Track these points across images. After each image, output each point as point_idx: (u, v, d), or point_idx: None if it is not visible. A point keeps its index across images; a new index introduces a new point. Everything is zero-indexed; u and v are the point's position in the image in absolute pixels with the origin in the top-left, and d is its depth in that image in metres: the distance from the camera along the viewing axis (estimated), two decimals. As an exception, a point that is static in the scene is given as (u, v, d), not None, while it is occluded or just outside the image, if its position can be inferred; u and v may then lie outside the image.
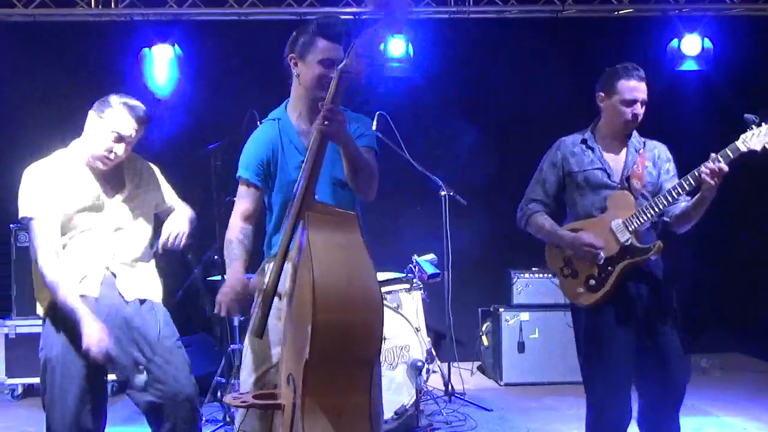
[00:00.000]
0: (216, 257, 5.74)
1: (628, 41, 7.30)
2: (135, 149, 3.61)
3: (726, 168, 3.43)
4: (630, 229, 3.64)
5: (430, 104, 7.27)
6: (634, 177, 3.72)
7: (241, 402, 2.96)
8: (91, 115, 3.44)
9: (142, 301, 3.58)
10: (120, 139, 3.43)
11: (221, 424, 5.38)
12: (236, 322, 5.78)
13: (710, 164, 3.45)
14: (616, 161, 3.78)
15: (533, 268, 6.86)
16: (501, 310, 6.74)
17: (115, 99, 3.47)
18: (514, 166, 7.40)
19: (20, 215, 3.37)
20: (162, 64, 7.01)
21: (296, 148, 3.29)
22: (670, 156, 3.86)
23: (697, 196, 3.60)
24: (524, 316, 6.68)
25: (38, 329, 3.64)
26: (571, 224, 3.83)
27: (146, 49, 7.03)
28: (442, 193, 5.87)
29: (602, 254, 3.66)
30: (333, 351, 2.59)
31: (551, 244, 3.89)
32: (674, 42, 7.32)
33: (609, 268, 3.66)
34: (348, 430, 2.63)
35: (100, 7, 7.02)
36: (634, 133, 3.82)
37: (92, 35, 7.07)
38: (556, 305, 6.68)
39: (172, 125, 7.19)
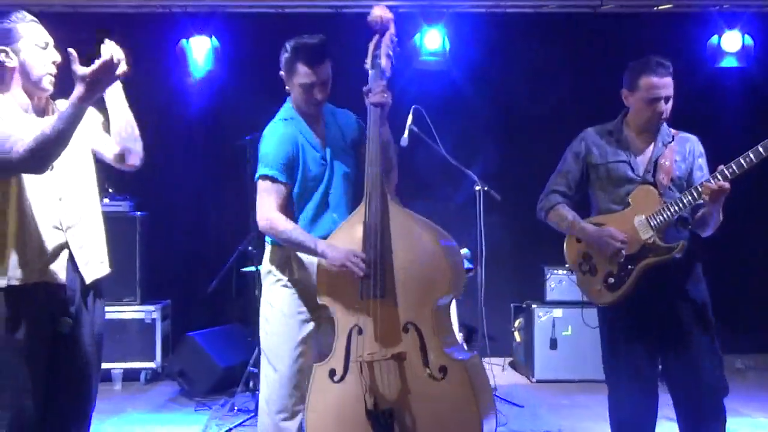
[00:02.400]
0: (251, 248, 5.77)
1: (667, 37, 7.20)
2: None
3: (726, 186, 3.31)
4: (653, 226, 3.50)
5: (466, 98, 7.24)
6: (661, 171, 3.56)
7: (369, 354, 3.32)
8: (2, 53, 3.02)
9: (95, 290, 3.23)
10: (46, 45, 3.08)
11: (253, 414, 5.40)
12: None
13: (709, 184, 3.35)
14: (641, 154, 3.64)
15: (567, 265, 6.79)
16: (534, 306, 6.71)
17: (7, 24, 3.04)
18: (550, 161, 7.35)
19: None
20: (200, 56, 7.06)
21: (312, 146, 3.56)
22: (702, 151, 3.70)
23: (704, 209, 3.50)
24: (557, 312, 6.64)
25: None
26: (593, 218, 3.71)
27: (184, 40, 7.09)
28: (477, 187, 5.84)
29: (623, 251, 3.53)
30: (456, 277, 3.38)
31: (571, 237, 3.76)
32: (714, 38, 7.21)
33: (629, 266, 3.53)
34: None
35: (139, -2, 7.10)
36: (664, 126, 3.67)
37: (131, 26, 7.13)
38: (590, 302, 6.61)
39: (208, 116, 7.26)
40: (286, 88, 3.57)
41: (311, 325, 3.55)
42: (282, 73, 3.53)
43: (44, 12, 7.01)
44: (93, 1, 7.06)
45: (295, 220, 3.54)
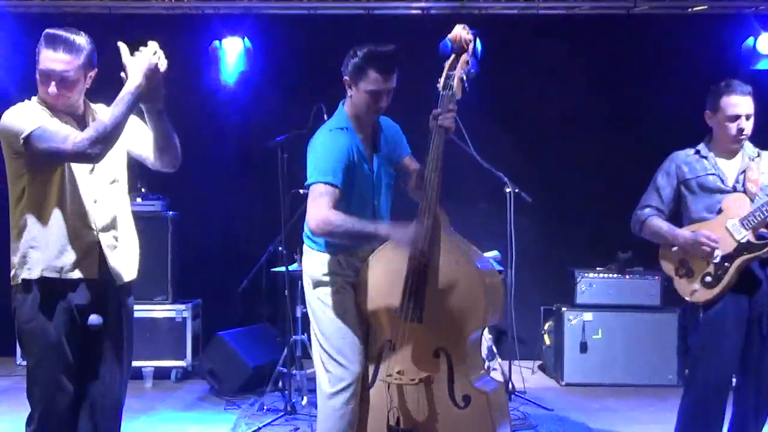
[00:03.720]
0: (281, 248, 5.78)
1: (701, 39, 7.11)
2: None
3: None
4: (746, 226, 3.71)
5: (498, 100, 7.20)
6: (749, 181, 3.78)
7: (410, 380, 3.38)
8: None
9: (125, 289, 3.30)
10: (48, 77, 3.05)
11: (282, 413, 5.42)
12: (299, 313, 5.82)
13: None
14: (729, 168, 3.85)
15: (598, 268, 6.78)
16: (564, 309, 6.66)
17: (39, 45, 3.08)
18: (581, 164, 7.35)
19: (20, 137, 2.96)
20: (232, 57, 7.10)
21: (362, 156, 3.55)
22: None
23: None
24: (587, 316, 6.59)
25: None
26: (687, 227, 3.90)
27: (217, 41, 7.13)
28: (507, 190, 5.80)
29: (718, 252, 3.73)
30: (493, 311, 3.42)
31: (666, 247, 3.95)
32: (749, 40, 7.11)
33: (726, 264, 3.73)
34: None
35: (172, 0, 7.15)
36: (748, 144, 3.88)
37: (164, 28, 7.20)
38: (621, 306, 6.60)
39: (240, 116, 7.30)
40: (349, 93, 3.53)
41: (365, 327, 3.58)
42: (346, 78, 3.51)
43: (80, 13, 7.11)
44: (127, 3, 7.12)
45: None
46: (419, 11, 7.28)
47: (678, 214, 4.00)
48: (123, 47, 3.01)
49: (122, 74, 3.03)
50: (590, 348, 6.57)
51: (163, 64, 3.04)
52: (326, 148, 3.48)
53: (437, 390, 3.36)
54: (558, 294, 6.94)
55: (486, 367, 3.87)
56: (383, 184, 3.64)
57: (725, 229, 3.75)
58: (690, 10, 7.20)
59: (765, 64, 7.05)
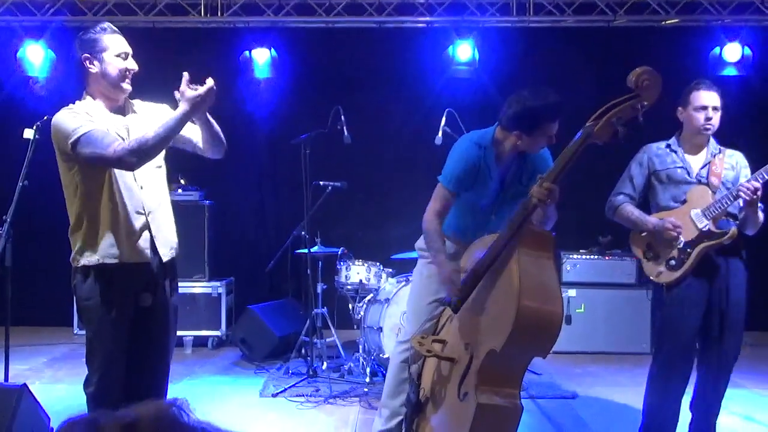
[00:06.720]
0: (303, 233, 5.80)
1: (673, 49, 7.08)
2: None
3: (758, 185, 3.51)
4: (708, 216, 3.68)
5: (493, 103, 7.14)
6: (712, 175, 3.74)
7: (427, 351, 3.29)
8: (86, 60, 3.07)
9: (170, 269, 3.27)
10: (127, 56, 3.10)
11: (305, 376, 5.45)
12: (319, 290, 5.84)
13: (744, 183, 3.56)
14: (694, 162, 3.81)
15: (581, 250, 6.77)
16: (551, 286, 6.65)
17: (93, 34, 3.07)
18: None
19: (68, 141, 2.93)
20: (260, 65, 7.10)
21: (491, 177, 3.55)
22: (747, 164, 3.86)
23: (744, 210, 3.69)
24: (572, 292, 6.60)
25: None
26: (655, 214, 3.86)
27: (247, 52, 7.13)
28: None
29: (682, 238, 3.70)
30: (525, 337, 2.85)
31: (636, 231, 3.91)
32: (716, 49, 7.07)
33: (688, 250, 3.70)
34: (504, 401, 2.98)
35: (208, 15, 7.13)
36: (712, 141, 3.83)
37: (202, 40, 7.20)
38: (601, 283, 6.60)
39: (267, 117, 7.31)
40: (517, 141, 3.47)
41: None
42: (517, 133, 3.47)
43: (128, 27, 7.11)
44: (169, 18, 7.12)
45: (462, 227, 3.69)
46: (424, 24, 7.26)
47: (647, 202, 3.95)
48: (185, 76, 3.01)
49: (176, 93, 3.02)
50: (574, 320, 6.57)
51: (212, 99, 3.03)
52: (456, 155, 3.59)
53: (454, 373, 3.17)
54: (546, 273, 6.92)
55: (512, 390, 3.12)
56: (507, 205, 3.56)
57: (689, 218, 3.71)
58: (663, 22, 7.16)
59: (730, 71, 7.01)
